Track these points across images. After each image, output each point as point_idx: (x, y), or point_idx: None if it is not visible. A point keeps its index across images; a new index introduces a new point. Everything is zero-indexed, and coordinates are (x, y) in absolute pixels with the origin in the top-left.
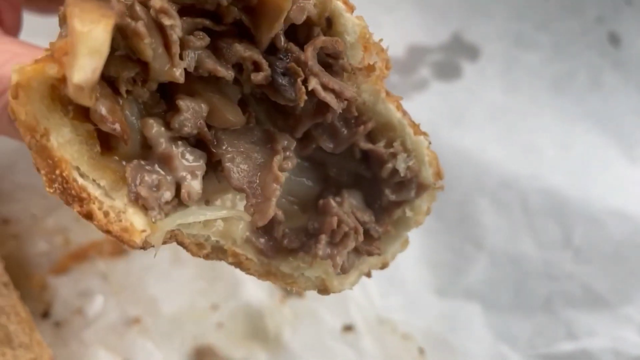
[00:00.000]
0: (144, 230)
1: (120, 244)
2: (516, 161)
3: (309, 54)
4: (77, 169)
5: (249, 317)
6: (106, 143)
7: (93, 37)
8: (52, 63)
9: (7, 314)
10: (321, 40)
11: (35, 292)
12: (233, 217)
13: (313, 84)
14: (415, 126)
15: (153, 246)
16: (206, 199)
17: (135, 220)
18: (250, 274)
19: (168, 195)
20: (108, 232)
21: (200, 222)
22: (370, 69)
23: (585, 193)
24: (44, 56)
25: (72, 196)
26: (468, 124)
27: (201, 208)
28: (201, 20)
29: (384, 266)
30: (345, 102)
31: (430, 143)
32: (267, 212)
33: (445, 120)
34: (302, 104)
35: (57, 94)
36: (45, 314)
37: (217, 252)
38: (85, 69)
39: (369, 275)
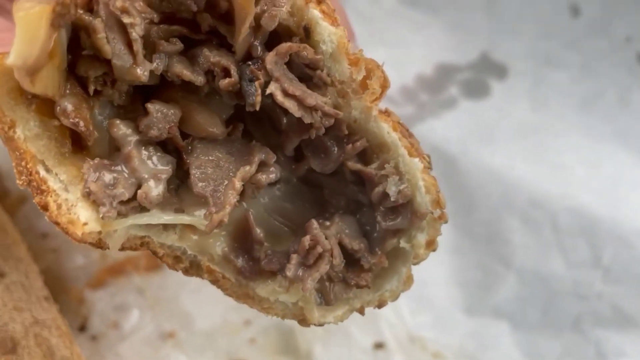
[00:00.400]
0: (86, 223)
1: (155, 259)
2: (545, 180)
3: (270, 58)
4: (43, 163)
5: (280, 333)
6: (79, 142)
7: (28, 21)
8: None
9: (49, 327)
10: (286, 46)
11: (72, 305)
12: (198, 227)
13: (272, 88)
14: (413, 147)
15: (109, 248)
16: (181, 209)
17: (82, 213)
18: (228, 294)
19: (122, 193)
20: (57, 223)
21: (175, 235)
22: (364, 85)
23: (615, 212)
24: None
25: (34, 188)
26: (497, 142)
27: (160, 212)
28: (178, 28)
29: (381, 305)
30: (320, 114)
31: (430, 167)
32: (214, 219)
33: (474, 139)
34: (257, 108)
35: (23, 89)
36: (82, 328)
37: (196, 268)
38: (18, 52)
39: (361, 312)
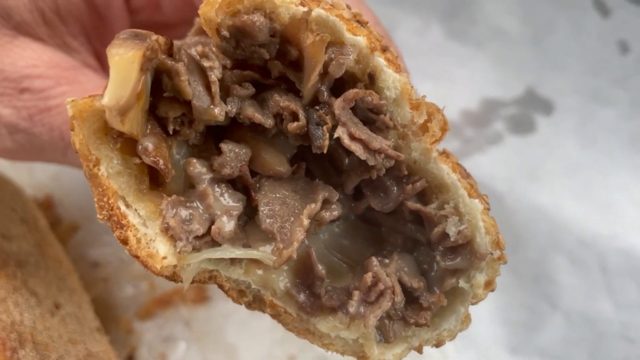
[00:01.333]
0: (165, 257)
1: (202, 291)
2: (594, 219)
3: (338, 104)
4: (123, 198)
5: None
6: (156, 179)
7: (122, 65)
8: (99, 95)
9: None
10: (353, 92)
11: (121, 336)
12: (267, 265)
13: (339, 132)
14: (472, 188)
15: (182, 281)
16: (248, 245)
17: (160, 247)
18: (289, 329)
19: (198, 228)
20: (136, 257)
21: (241, 269)
22: (424, 128)
23: None
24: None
25: (115, 222)
26: (543, 179)
27: (231, 247)
28: (251, 73)
29: (439, 344)
30: (383, 156)
31: (488, 208)
32: (284, 255)
33: (520, 175)
34: (324, 151)
35: (109, 128)
36: (130, 359)
37: (259, 302)
38: (112, 93)
39: (419, 350)
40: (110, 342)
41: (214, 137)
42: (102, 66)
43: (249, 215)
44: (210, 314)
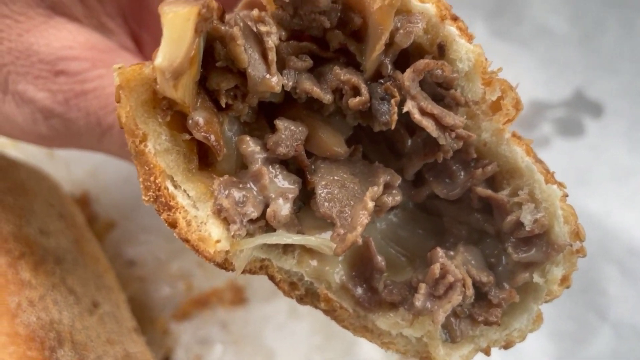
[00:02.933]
0: (218, 241)
1: (240, 292)
2: None
3: (407, 75)
4: (171, 178)
5: None
6: (205, 159)
7: (176, 22)
8: (149, 62)
9: None
10: (424, 62)
11: (157, 336)
12: (326, 255)
13: (409, 106)
14: (549, 174)
15: (233, 269)
16: (302, 232)
17: (213, 230)
18: (345, 326)
19: (252, 211)
20: (187, 240)
21: (294, 259)
22: (496, 107)
23: None
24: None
25: (162, 204)
26: (592, 184)
27: (287, 233)
28: (308, 44)
29: (508, 345)
30: (454, 136)
31: (567, 195)
32: (347, 240)
33: (567, 180)
34: (392, 127)
35: (158, 100)
36: None
37: (311, 296)
38: (166, 53)
39: (487, 352)
40: (146, 342)
41: (266, 115)
42: (140, 49)
43: (303, 200)
44: (248, 316)
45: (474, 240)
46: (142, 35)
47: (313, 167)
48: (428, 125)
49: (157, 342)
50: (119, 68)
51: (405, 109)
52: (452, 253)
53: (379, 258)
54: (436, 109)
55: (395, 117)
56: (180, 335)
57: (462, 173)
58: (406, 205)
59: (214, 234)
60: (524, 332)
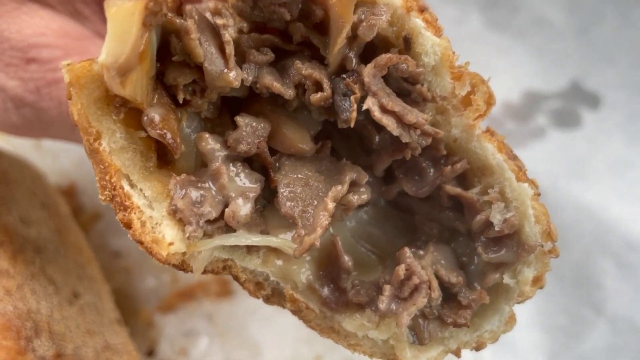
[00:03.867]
0: (171, 243)
1: (226, 285)
2: None
3: (368, 71)
4: (127, 177)
5: None
6: (165, 157)
7: (120, 17)
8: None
9: (120, 353)
10: (386, 57)
11: (141, 328)
12: (288, 254)
13: (369, 103)
14: (521, 172)
15: (192, 271)
16: (266, 232)
17: (167, 232)
18: (311, 327)
19: (209, 212)
20: (140, 242)
21: (259, 259)
22: (467, 102)
23: None
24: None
25: (118, 203)
26: (589, 177)
27: (247, 234)
28: (270, 37)
29: (479, 347)
30: (419, 133)
31: (538, 194)
32: (305, 242)
33: (564, 172)
34: (351, 125)
35: (111, 97)
36: (151, 353)
37: (278, 296)
38: (110, 49)
39: (457, 354)
40: (129, 334)
41: (229, 110)
42: None
43: (267, 199)
44: (234, 309)
45: (445, 238)
46: None
47: (277, 164)
48: (389, 123)
49: (141, 334)
50: (68, 65)
51: (365, 107)
52: (421, 252)
53: (346, 258)
54: (397, 107)
55: (355, 114)
56: (165, 327)
57: (432, 170)
58: (377, 203)
59: (168, 236)
60: (495, 333)
